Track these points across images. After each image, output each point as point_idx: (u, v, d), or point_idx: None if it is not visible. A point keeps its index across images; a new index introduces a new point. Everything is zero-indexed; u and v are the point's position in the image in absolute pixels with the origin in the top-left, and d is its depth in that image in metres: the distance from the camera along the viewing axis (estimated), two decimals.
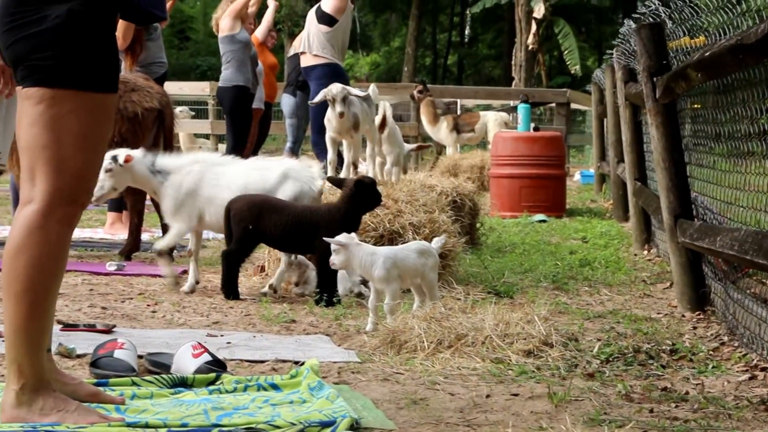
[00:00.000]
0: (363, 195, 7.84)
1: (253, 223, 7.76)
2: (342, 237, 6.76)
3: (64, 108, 4.16)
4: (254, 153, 16.46)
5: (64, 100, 4.15)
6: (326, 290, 7.74)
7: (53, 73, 4.12)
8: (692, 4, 8.88)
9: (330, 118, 9.56)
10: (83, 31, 4.12)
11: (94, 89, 4.19)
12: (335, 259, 6.73)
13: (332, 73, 12.71)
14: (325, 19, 13.10)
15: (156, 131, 10.75)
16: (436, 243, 7.04)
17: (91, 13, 4.11)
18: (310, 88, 13.27)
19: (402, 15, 53.08)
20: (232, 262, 7.94)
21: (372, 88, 10.24)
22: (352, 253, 6.75)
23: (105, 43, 4.25)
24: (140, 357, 5.45)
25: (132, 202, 10.36)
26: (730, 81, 7.21)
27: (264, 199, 8.05)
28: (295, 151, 15.55)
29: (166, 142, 10.72)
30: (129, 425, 4.16)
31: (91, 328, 6.42)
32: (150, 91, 10.73)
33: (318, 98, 9.61)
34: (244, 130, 15.03)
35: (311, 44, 13.17)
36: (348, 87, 9.82)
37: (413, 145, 13.53)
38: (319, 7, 13.25)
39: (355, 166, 9.77)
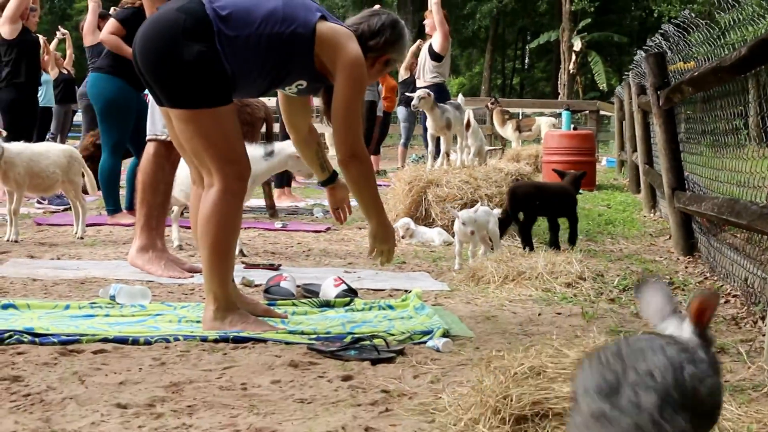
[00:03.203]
0: (578, 180, 8.83)
1: (538, 200, 8.22)
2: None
3: (205, 122, 4.63)
4: (377, 149, 17.88)
5: (203, 116, 4.62)
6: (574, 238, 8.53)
7: (193, 99, 4.60)
8: (685, 40, 10.14)
9: (430, 122, 10.32)
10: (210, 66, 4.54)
11: (218, 105, 4.62)
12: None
13: (439, 90, 13.11)
14: (434, 56, 13.79)
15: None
16: (496, 210, 7.71)
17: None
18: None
19: (481, 49, 53.98)
20: (525, 231, 8.20)
21: (461, 99, 11.00)
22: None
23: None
24: (298, 286, 5.97)
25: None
26: (712, 93, 7.84)
27: (538, 184, 9.01)
28: (406, 146, 17.16)
29: (269, 137, 10.94)
30: (290, 332, 4.74)
31: (264, 266, 6.89)
32: (257, 105, 11.10)
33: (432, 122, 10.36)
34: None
35: (425, 73, 13.94)
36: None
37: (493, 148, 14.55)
38: (430, 45, 13.91)
39: (448, 155, 10.37)
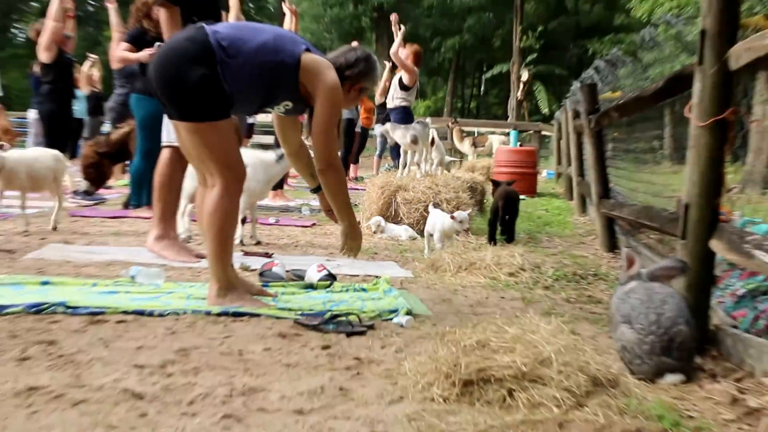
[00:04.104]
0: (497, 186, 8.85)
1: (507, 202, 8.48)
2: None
3: (207, 133, 4.65)
4: (356, 159, 18.01)
5: (206, 128, 4.64)
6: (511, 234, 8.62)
7: (198, 113, 4.63)
8: (614, 73, 10.18)
9: (400, 138, 10.34)
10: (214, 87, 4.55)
11: (219, 119, 4.65)
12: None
13: (405, 112, 13.45)
14: (402, 86, 13.58)
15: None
16: (462, 214, 7.37)
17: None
18: (391, 119, 13.34)
19: (444, 78, 54.02)
20: (492, 225, 8.41)
21: (428, 119, 10.87)
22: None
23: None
24: (287, 271, 5.92)
25: None
26: (634, 118, 7.89)
27: (510, 190, 8.78)
28: (380, 157, 16.91)
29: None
30: (280, 309, 4.75)
31: (259, 254, 6.89)
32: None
33: (399, 136, 10.40)
34: None
35: (394, 98, 13.72)
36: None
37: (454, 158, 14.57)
38: (400, 79, 13.69)
39: (419, 165, 10.32)
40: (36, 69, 12.20)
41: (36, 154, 7.85)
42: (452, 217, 7.23)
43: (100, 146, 10.79)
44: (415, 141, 10.35)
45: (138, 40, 8.96)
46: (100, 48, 35.55)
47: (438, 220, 7.46)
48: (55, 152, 8.03)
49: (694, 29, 6.17)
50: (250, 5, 58.59)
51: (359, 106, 16.32)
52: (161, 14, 6.24)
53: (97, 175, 10.65)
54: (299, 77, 4.64)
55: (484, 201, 10.84)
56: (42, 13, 12.57)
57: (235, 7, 9.28)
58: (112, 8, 12.06)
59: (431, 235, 7.50)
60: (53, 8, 11.32)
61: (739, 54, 3.91)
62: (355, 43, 5.31)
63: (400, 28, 13.40)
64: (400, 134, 10.46)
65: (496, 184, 9.23)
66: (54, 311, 4.47)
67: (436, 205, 8.13)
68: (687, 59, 5.95)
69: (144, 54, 8.38)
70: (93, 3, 53.77)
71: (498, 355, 3.34)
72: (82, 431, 2.73)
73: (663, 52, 7.89)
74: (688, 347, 3.63)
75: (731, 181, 3.93)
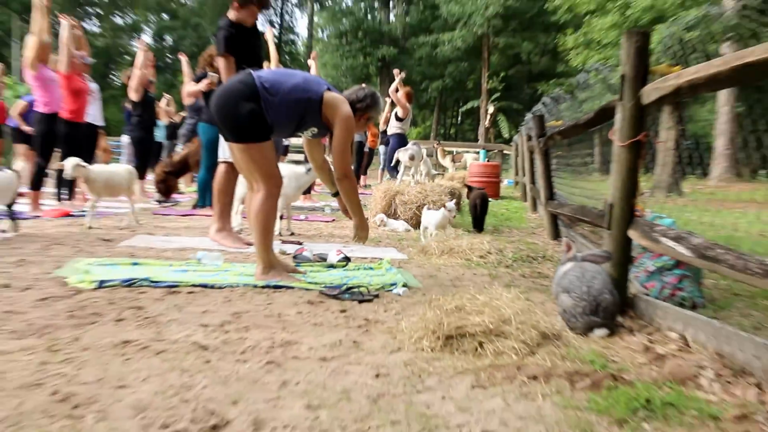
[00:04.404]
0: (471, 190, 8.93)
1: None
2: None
3: (253, 151, 4.69)
4: (365, 172, 17.61)
5: (252, 148, 4.67)
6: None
7: (247, 137, 4.65)
8: (557, 107, 10.19)
9: (400, 156, 10.46)
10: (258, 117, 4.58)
11: (262, 141, 4.67)
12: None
13: (400, 137, 13.48)
14: (398, 118, 13.61)
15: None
16: (450, 204, 7.36)
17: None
18: (389, 143, 13.86)
19: (431, 110, 53.98)
20: (481, 220, 8.73)
21: (419, 144, 10.74)
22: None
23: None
24: (314, 255, 5.89)
25: None
26: (572, 140, 7.94)
27: (483, 192, 8.89)
28: (383, 170, 16.02)
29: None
30: (308, 283, 4.72)
31: (293, 242, 6.84)
32: None
33: (401, 156, 10.49)
34: None
35: (392, 127, 13.71)
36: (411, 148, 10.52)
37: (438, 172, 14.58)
38: (396, 112, 13.69)
39: (413, 176, 10.41)
40: (127, 105, 12.23)
41: (114, 168, 7.71)
42: (443, 206, 7.19)
43: (166, 166, 10.83)
44: (412, 158, 10.42)
45: (200, 79, 9.04)
46: (174, 89, 35.56)
47: (432, 216, 7.41)
48: (129, 167, 7.95)
49: (615, 74, 6.15)
50: (286, 57, 58.59)
51: (367, 131, 16.25)
52: (220, 62, 6.24)
53: (165, 188, 10.71)
54: (322, 110, 4.66)
55: (460, 202, 10.75)
56: (131, 64, 12.63)
57: (274, 59, 9.30)
58: (184, 60, 12.19)
59: (426, 228, 7.43)
60: (139, 60, 11.49)
61: (649, 93, 3.96)
62: (363, 85, 5.31)
63: (401, 74, 13.53)
64: (402, 154, 10.56)
65: (470, 188, 9.29)
66: (141, 285, 4.47)
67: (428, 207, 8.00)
68: (611, 96, 5.94)
69: (203, 83, 8.44)
70: (170, 56, 53.78)
71: (471, 316, 3.35)
72: (163, 373, 2.74)
73: (593, 91, 7.92)
74: (612, 311, 3.67)
75: (644, 187, 3.95)
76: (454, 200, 8.02)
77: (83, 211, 8.84)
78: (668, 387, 2.74)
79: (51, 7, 8.92)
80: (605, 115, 5.28)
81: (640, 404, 2.51)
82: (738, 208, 3.02)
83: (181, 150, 11.45)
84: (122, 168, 7.71)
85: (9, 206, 6.55)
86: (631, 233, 4.10)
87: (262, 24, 49.63)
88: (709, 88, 3.46)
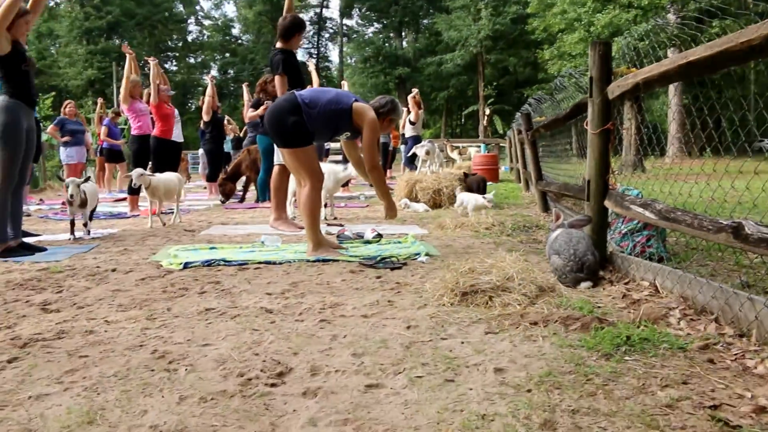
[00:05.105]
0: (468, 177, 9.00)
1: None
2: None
3: (299, 154, 4.69)
4: (390, 166, 17.07)
5: (298, 152, 4.68)
6: None
7: (293, 143, 4.67)
8: (540, 106, 10.11)
9: (417, 151, 10.61)
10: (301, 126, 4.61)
11: (306, 146, 4.67)
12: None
13: (415, 137, 13.59)
14: (411, 123, 13.79)
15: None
16: (489, 195, 7.13)
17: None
18: (408, 143, 14.05)
19: (440, 114, 53.56)
20: None
21: (432, 142, 10.97)
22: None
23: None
24: (353, 233, 5.83)
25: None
26: (554, 132, 7.80)
27: (480, 176, 9.02)
28: (404, 164, 16.11)
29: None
30: (350, 256, 4.66)
31: (335, 224, 6.74)
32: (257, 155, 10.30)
33: (419, 151, 10.62)
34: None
35: (407, 130, 13.98)
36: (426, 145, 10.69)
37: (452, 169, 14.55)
38: (408, 119, 13.88)
39: (430, 168, 10.38)
40: (201, 124, 12.29)
41: (168, 176, 7.40)
42: (484, 198, 7.03)
43: (225, 174, 10.82)
44: (428, 153, 10.48)
45: (258, 105, 9.28)
46: (236, 111, 35.68)
47: (470, 198, 7.19)
48: (179, 175, 7.67)
49: (585, 78, 6.05)
50: (323, 80, 58.58)
51: (390, 134, 16.10)
52: (277, 80, 6.38)
53: (224, 192, 10.70)
54: (353, 117, 4.65)
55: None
56: (204, 92, 12.73)
57: (315, 81, 9.28)
58: (245, 89, 12.23)
59: (464, 206, 7.22)
60: (209, 89, 11.49)
61: (613, 90, 3.90)
62: (386, 95, 5.30)
63: (415, 91, 13.68)
64: (419, 149, 10.65)
65: (467, 175, 9.36)
66: (218, 264, 4.47)
67: (460, 191, 7.93)
68: (582, 95, 5.88)
69: (261, 110, 8.56)
70: (233, 85, 53.99)
71: (482, 275, 3.30)
72: (237, 333, 2.72)
73: (568, 92, 7.79)
74: (594, 269, 3.62)
75: (614, 166, 3.90)
76: (492, 193, 7.72)
77: (170, 210, 8.88)
78: (644, 326, 2.68)
79: (135, 55, 9.27)
80: (579, 110, 5.26)
81: (621, 341, 2.45)
82: (690, 179, 2.95)
83: (234, 159, 11.44)
84: (174, 176, 7.50)
85: (92, 212, 6.40)
86: (607, 203, 4.02)
87: (302, 56, 49.65)
88: (661, 83, 3.40)
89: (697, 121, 3.64)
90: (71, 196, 5.74)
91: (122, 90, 9.11)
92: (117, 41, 48.52)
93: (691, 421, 1.79)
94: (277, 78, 6.38)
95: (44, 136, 13.27)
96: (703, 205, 4.23)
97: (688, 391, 2.01)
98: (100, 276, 4.13)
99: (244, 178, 11.02)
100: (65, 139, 12.91)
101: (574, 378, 2.12)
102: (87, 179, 5.98)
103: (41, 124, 11.25)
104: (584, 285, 3.53)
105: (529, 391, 2.02)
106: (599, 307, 3.08)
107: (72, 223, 5.96)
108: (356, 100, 4.72)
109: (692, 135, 6.53)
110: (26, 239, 5.63)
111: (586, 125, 4.17)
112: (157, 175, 7.21)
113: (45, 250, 5.27)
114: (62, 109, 13.14)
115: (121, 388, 2.09)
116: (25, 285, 3.86)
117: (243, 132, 14.69)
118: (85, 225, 6.17)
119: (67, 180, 5.88)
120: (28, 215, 8.75)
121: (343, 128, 4.77)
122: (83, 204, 5.94)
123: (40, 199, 12.45)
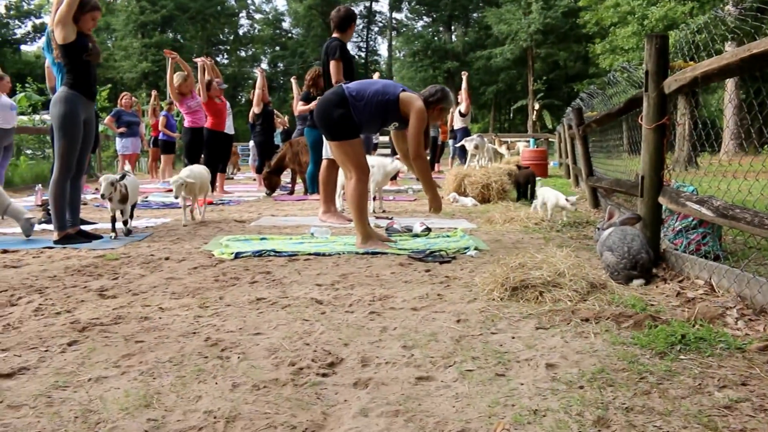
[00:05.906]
0: (520, 169, 8.96)
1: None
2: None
3: (345, 147, 4.74)
4: (438, 160, 17.02)
5: (345, 145, 4.73)
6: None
7: (340, 136, 4.72)
8: (591, 101, 9.97)
9: (466, 144, 10.64)
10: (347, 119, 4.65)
11: (353, 138, 4.73)
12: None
13: (464, 130, 13.62)
14: (461, 114, 13.85)
15: None
16: (573, 198, 6.36)
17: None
18: (457, 136, 14.08)
19: (489, 109, 52.80)
20: (525, 191, 8.73)
21: (482, 136, 10.91)
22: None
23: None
24: (402, 227, 5.78)
25: None
26: (605, 127, 7.77)
27: (529, 171, 8.93)
28: (453, 157, 15.49)
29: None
30: (399, 249, 4.67)
31: (384, 217, 6.86)
32: (301, 147, 10.35)
33: (468, 145, 10.67)
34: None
35: (456, 122, 14.03)
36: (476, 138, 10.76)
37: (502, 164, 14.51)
38: (459, 110, 13.90)
39: (478, 162, 10.46)
40: (251, 117, 12.42)
41: (201, 170, 6.96)
42: (567, 200, 6.30)
43: (269, 167, 10.88)
44: (476, 147, 10.51)
45: (308, 99, 9.39)
46: (285, 104, 36.00)
47: (552, 195, 6.53)
48: (205, 168, 7.25)
49: (638, 73, 5.91)
50: (372, 74, 58.60)
51: (439, 127, 16.02)
52: (332, 65, 6.49)
53: (269, 184, 10.76)
54: (399, 107, 4.66)
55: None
56: (253, 86, 12.87)
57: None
58: (294, 82, 12.31)
59: (545, 204, 6.65)
60: (260, 80, 11.60)
61: (670, 84, 3.84)
62: (435, 84, 5.28)
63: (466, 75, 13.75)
64: (468, 143, 10.66)
65: (519, 168, 9.33)
66: (269, 254, 4.52)
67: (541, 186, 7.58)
68: (634, 91, 5.77)
69: (311, 105, 8.66)
70: (282, 78, 54.41)
71: (532, 271, 3.27)
72: (289, 323, 2.75)
73: (619, 86, 7.67)
74: (647, 267, 3.54)
75: (668, 162, 3.82)
76: (576, 197, 6.89)
77: (221, 200, 9.03)
78: (699, 325, 2.62)
79: (178, 56, 9.53)
80: (633, 104, 5.16)
81: (676, 339, 2.40)
82: (749, 177, 2.85)
83: (278, 152, 11.50)
84: (203, 169, 7.11)
85: (133, 207, 5.98)
86: (661, 199, 3.94)
87: (352, 49, 49.64)
88: (721, 77, 3.31)
89: (759, 116, 3.53)
90: (102, 195, 5.36)
91: (169, 93, 9.41)
92: (171, 35, 49.45)
93: (752, 423, 1.74)
94: (333, 63, 6.50)
95: (101, 127, 13.61)
96: (762, 203, 4.10)
97: (747, 392, 1.94)
98: (154, 264, 4.22)
99: (289, 171, 11.09)
100: (121, 130, 13.24)
101: (627, 376, 2.08)
102: (123, 176, 5.59)
103: (99, 115, 11.56)
104: (636, 282, 3.47)
105: (581, 387, 1.99)
106: (652, 304, 3.01)
107: (113, 219, 5.51)
108: (404, 90, 4.72)
109: (753, 130, 6.34)
110: (83, 227, 5.78)
111: (640, 120, 4.09)
112: (186, 171, 6.75)
113: (101, 237, 5.41)
114: (119, 101, 13.47)
115: (176, 373, 2.13)
116: (83, 271, 3.98)
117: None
118: (125, 223, 5.69)
119: (101, 177, 5.54)
120: (85, 204, 8.99)
121: (391, 119, 4.77)
122: (123, 199, 5.58)
123: (96, 189, 12.73)
